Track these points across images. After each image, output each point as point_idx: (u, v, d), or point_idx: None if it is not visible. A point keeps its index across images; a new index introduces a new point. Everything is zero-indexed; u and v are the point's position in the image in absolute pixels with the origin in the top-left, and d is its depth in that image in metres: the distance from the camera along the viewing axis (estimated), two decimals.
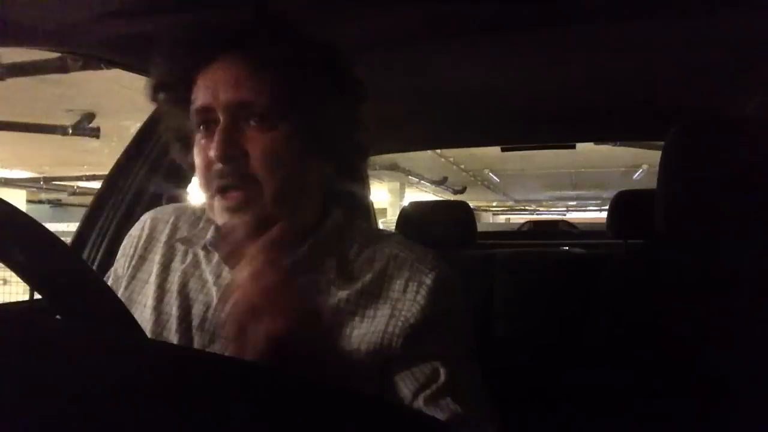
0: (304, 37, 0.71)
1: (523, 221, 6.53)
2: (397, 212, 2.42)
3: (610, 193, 2.69)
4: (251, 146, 0.68)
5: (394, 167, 8.58)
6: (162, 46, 0.73)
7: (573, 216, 15.68)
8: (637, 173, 9.30)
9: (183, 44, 0.72)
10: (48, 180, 9.55)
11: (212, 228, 0.76)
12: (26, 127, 5.38)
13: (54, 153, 7.37)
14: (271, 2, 0.71)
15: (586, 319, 0.93)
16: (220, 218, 0.70)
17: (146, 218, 0.84)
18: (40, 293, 0.40)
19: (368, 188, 1.75)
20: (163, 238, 0.80)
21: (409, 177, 9.84)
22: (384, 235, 0.77)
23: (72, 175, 9.07)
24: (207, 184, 0.70)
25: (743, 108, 1.53)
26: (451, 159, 8.40)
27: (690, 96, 1.62)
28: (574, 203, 17.17)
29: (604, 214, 2.16)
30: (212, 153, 0.67)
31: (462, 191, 11.59)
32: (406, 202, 4.09)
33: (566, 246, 2.42)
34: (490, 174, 10.59)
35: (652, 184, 1.00)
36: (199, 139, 0.71)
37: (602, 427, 0.86)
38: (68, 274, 0.39)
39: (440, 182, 10.70)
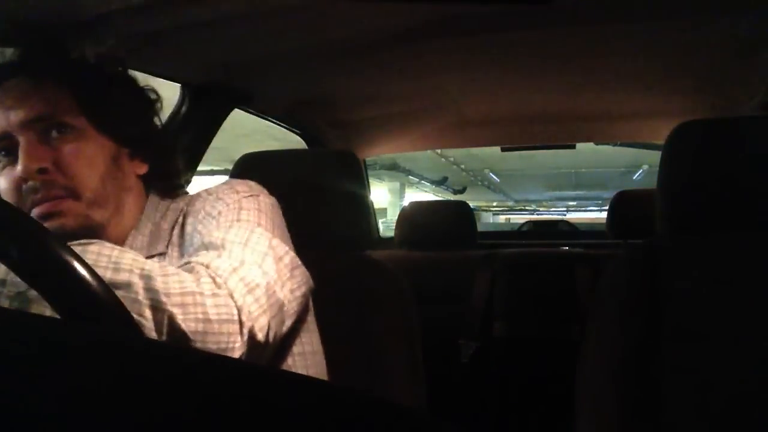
0: (82, 47, 0.75)
1: (523, 221, 6.52)
2: (397, 212, 2.42)
3: (610, 193, 2.69)
4: (60, 157, 0.69)
5: (394, 167, 8.58)
6: None
7: (573, 216, 15.68)
8: (637, 173, 9.30)
9: None
10: None
11: None
12: None
13: None
14: (271, 4, 0.71)
15: (585, 318, 0.93)
16: None
17: None
18: (38, 292, 0.40)
19: (368, 188, 1.75)
20: None
21: (409, 177, 9.84)
22: (201, 194, 0.78)
23: None
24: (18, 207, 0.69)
25: (743, 108, 1.53)
26: (451, 159, 8.40)
27: (690, 96, 1.62)
28: (574, 203, 17.16)
29: (604, 214, 2.16)
30: (19, 169, 0.67)
31: (462, 191, 11.59)
32: (406, 202, 4.09)
33: (566, 246, 2.42)
34: (490, 174, 10.59)
35: (652, 184, 1.00)
36: (0, 171, 0.71)
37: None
38: (65, 272, 0.39)
39: (440, 182, 10.70)
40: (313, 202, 0.88)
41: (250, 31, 1.06)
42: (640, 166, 8.77)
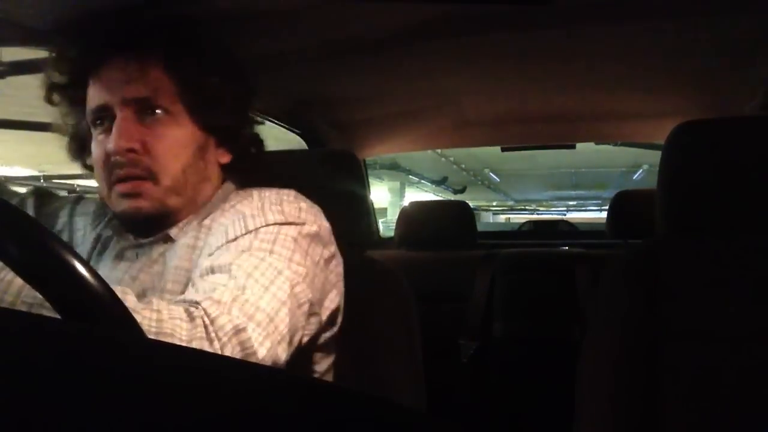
0: (193, 33, 0.77)
1: (523, 221, 6.53)
2: (397, 212, 2.42)
3: (610, 193, 2.69)
4: (149, 139, 0.72)
5: (394, 167, 8.58)
6: (56, 48, 0.78)
7: (573, 216, 15.67)
8: (637, 173, 9.30)
9: (77, 45, 0.76)
10: (48, 178, 9.55)
11: (107, 218, 0.83)
12: (27, 125, 5.37)
13: (54, 151, 7.36)
14: (271, 4, 0.72)
15: (585, 318, 0.93)
16: (118, 206, 0.73)
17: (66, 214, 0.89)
18: (39, 292, 0.40)
19: (368, 188, 1.75)
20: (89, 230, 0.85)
21: (409, 177, 9.84)
22: (253, 194, 0.77)
23: (72, 174, 9.05)
24: (105, 176, 0.74)
25: (743, 108, 1.52)
26: (451, 159, 8.39)
27: (690, 96, 1.62)
28: (574, 203, 17.16)
29: (604, 214, 2.16)
30: (110, 146, 0.71)
31: (462, 191, 11.59)
32: (406, 202, 4.09)
33: (566, 246, 2.42)
34: (490, 174, 10.59)
35: (652, 184, 1.00)
36: (96, 136, 0.75)
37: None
38: (65, 271, 0.39)
39: (440, 182, 10.69)
40: (313, 202, 0.88)
41: (250, 30, 1.06)
42: (640, 166, 8.77)
